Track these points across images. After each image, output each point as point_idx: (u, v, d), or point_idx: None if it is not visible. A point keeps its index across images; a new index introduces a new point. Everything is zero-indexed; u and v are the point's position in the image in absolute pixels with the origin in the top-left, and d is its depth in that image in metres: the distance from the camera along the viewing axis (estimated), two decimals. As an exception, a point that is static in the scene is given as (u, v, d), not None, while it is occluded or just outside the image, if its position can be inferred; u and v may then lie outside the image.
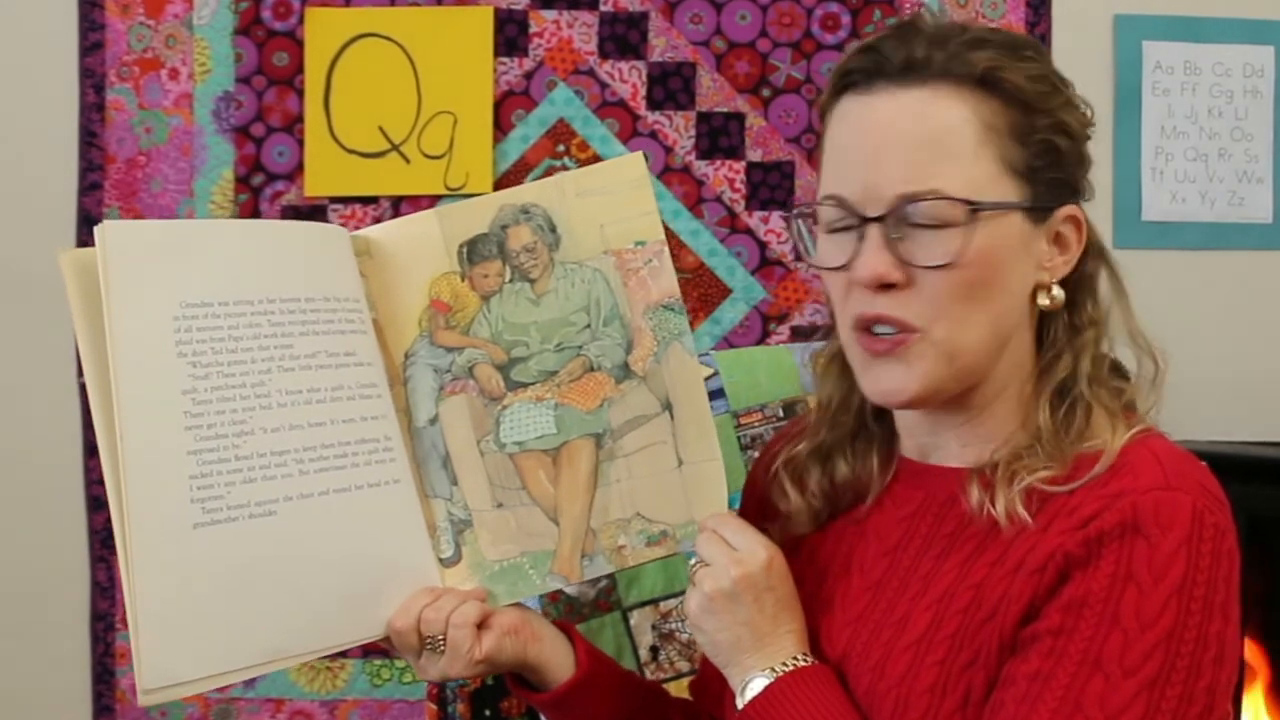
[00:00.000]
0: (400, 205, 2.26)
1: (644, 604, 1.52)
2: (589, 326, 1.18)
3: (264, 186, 2.26)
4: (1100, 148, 1.12)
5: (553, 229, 1.18)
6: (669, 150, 2.27)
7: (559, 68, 2.27)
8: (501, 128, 2.26)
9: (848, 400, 1.16)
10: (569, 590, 1.46)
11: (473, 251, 1.19)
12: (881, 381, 1.06)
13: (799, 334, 2.27)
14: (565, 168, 2.24)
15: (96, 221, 2.12)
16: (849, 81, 1.06)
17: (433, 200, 2.22)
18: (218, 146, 2.25)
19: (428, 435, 1.18)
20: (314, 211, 2.25)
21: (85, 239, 2.15)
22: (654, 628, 1.52)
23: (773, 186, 2.28)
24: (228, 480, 1.07)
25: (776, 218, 2.28)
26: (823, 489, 1.16)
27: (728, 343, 2.27)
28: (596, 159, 2.24)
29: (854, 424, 1.17)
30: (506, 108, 2.26)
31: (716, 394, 1.54)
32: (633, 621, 1.52)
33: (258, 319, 1.11)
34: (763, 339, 2.28)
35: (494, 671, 1.18)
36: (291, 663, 1.12)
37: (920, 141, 1.02)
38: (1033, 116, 1.04)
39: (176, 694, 1.05)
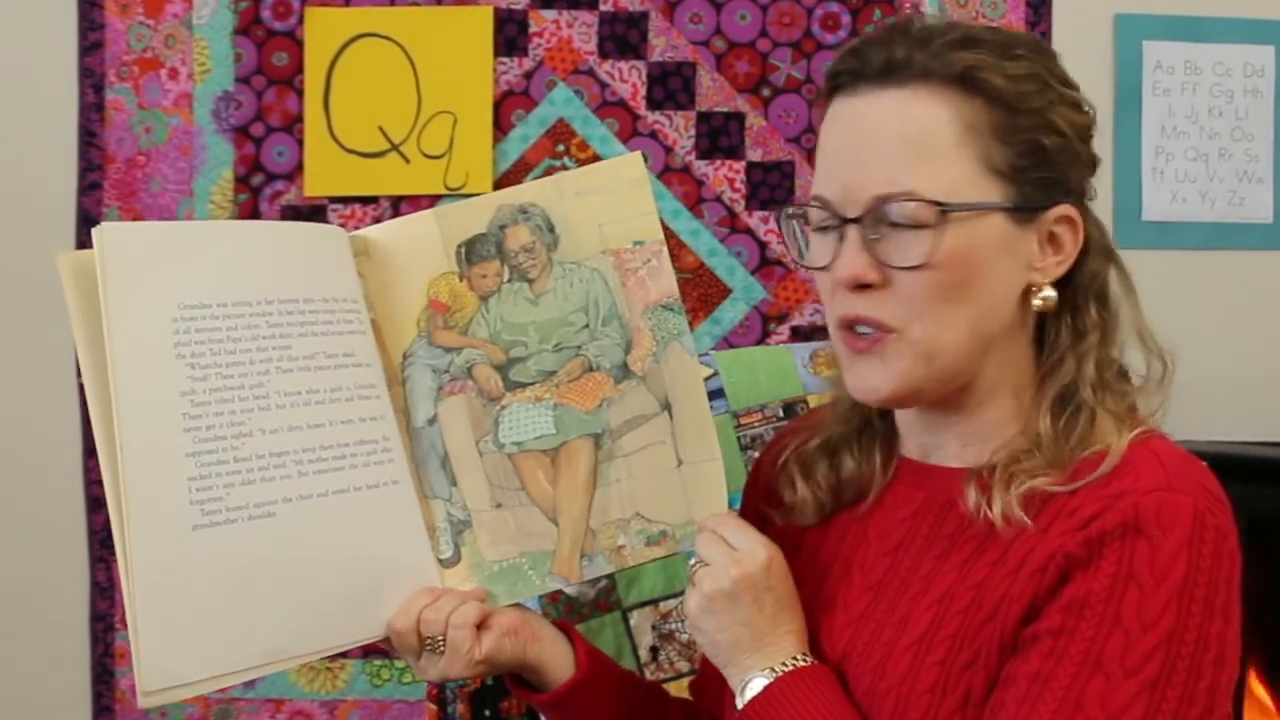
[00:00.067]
0: (400, 205, 2.25)
1: (644, 604, 1.52)
2: (588, 326, 1.18)
3: (263, 186, 2.26)
4: (1100, 148, 1.11)
5: (551, 229, 1.18)
6: (669, 150, 2.27)
7: (559, 67, 2.26)
8: (501, 128, 2.26)
9: None
10: (568, 590, 1.46)
11: (471, 252, 1.19)
12: (860, 379, 1.07)
13: (799, 334, 2.27)
14: (565, 168, 2.24)
15: (96, 221, 2.14)
16: (837, 84, 1.07)
17: (432, 200, 2.22)
18: (217, 146, 2.25)
19: (426, 436, 1.18)
20: (314, 211, 2.25)
21: (84, 239, 2.15)
22: (654, 628, 1.52)
23: (773, 186, 2.28)
24: (227, 482, 1.07)
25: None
26: (829, 482, 1.17)
27: (728, 343, 2.27)
28: (596, 159, 2.24)
29: (860, 420, 1.17)
30: (506, 108, 2.26)
31: (716, 394, 1.54)
32: (633, 622, 1.52)
33: (256, 320, 1.10)
34: (763, 339, 2.28)
35: (494, 672, 1.18)
36: (291, 664, 1.12)
37: (898, 142, 1.03)
38: (1016, 116, 1.03)
39: (176, 695, 1.05)
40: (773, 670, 1.07)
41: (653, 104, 2.27)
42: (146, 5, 2.24)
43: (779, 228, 2.23)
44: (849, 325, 1.06)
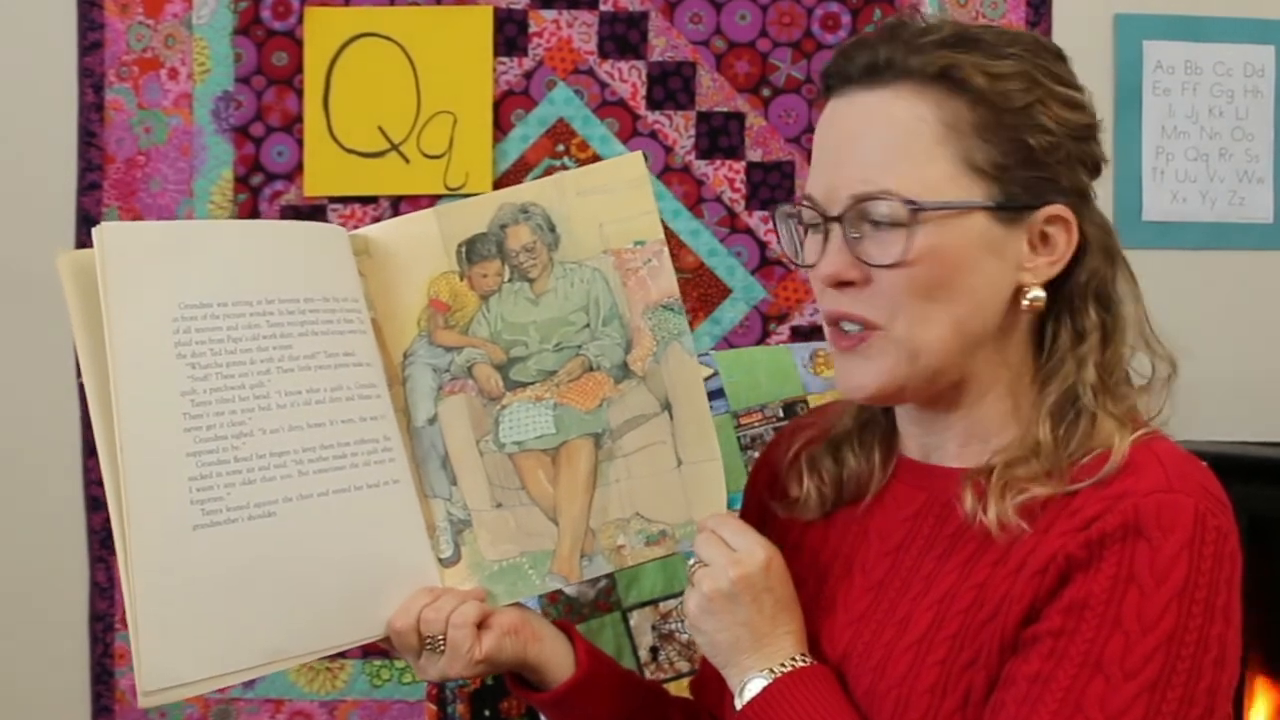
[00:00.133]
0: (400, 205, 2.25)
1: (644, 604, 1.52)
2: (588, 326, 1.18)
3: (263, 186, 2.26)
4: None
5: (552, 228, 1.18)
6: (669, 150, 2.27)
7: (559, 67, 2.26)
8: (501, 127, 2.26)
9: None
10: (568, 590, 1.46)
11: (472, 251, 1.19)
12: (847, 377, 1.08)
13: (799, 334, 2.27)
14: (565, 167, 2.24)
15: (95, 221, 2.13)
16: (828, 85, 1.08)
17: (432, 200, 2.22)
18: (217, 146, 2.25)
19: (427, 435, 1.18)
20: (313, 211, 2.25)
21: (84, 239, 2.15)
22: (654, 628, 1.52)
23: (773, 186, 2.28)
24: (227, 481, 1.07)
25: (776, 218, 2.28)
26: (832, 477, 1.17)
27: (727, 343, 2.27)
28: (596, 159, 2.24)
29: (864, 416, 1.18)
30: (506, 107, 2.26)
31: (716, 394, 1.54)
32: (632, 622, 1.52)
33: (257, 320, 1.10)
34: (763, 339, 2.28)
35: (494, 671, 1.18)
36: (291, 663, 1.12)
37: (879, 142, 1.03)
38: (1000, 114, 1.02)
39: (176, 695, 1.05)
40: (771, 671, 1.07)
41: (653, 104, 2.27)
42: (146, 5, 2.24)
43: (775, 227, 2.24)
44: (835, 322, 1.07)
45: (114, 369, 1.05)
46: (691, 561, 1.12)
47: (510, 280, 1.19)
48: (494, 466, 1.17)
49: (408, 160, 2.26)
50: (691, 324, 1.88)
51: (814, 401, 1.55)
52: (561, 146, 2.27)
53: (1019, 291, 1.05)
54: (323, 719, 2.26)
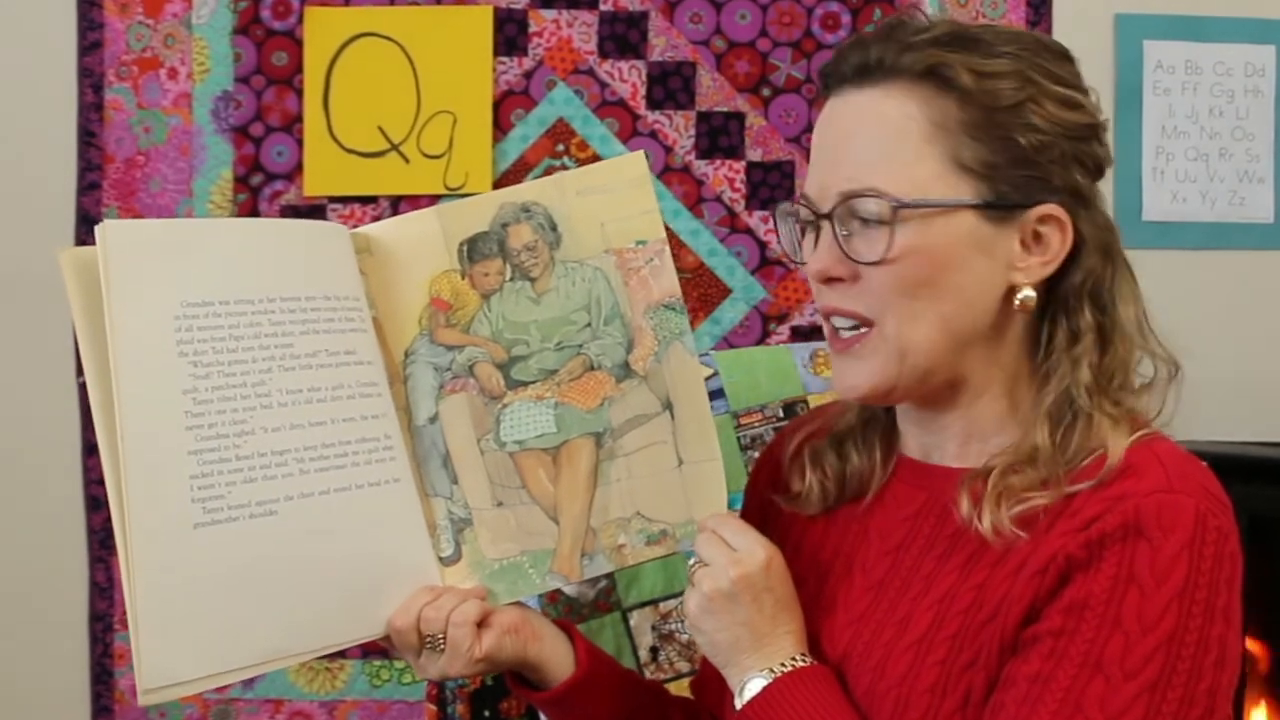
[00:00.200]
0: (399, 205, 2.25)
1: (644, 604, 1.52)
2: (589, 325, 1.18)
3: (263, 186, 2.26)
4: (1100, 147, 1.11)
5: (553, 227, 1.18)
6: (669, 150, 2.27)
7: (558, 67, 2.26)
8: (501, 127, 2.26)
9: None
10: (569, 590, 1.46)
11: (473, 249, 1.19)
12: (842, 378, 1.09)
13: (799, 334, 2.27)
14: (565, 167, 2.24)
15: (95, 221, 2.13)
16: (826, 84, 1.09)
17: (432, 200, 2.22)
18: (216, 146, 2.25)
19: (428, 434, 1.18)
20: (313, 211, 2.25)
21: (84, 238, 2.15)
22: (654, 628, 1.52)
23: (773, 186, 2.28)
24: (228, 480, 1.07)
25: (776, 218, 2.28)
26: (835, 473, 1.17)
27: (728, 343, 2.27)
28: (596, 159, 2.24)
29: (867, 413, 1.18)
30: (506, 107, 2.26)
31: (716, 394, 1.54)
32: (632, 622, 1.52)
33: (258, 318, 1.10)
34: (763, 339, 2.28)
35: (494, 670, 1.18)
36: (292, 662, 1.12)
37: (867, 140, 1.04)
38: (990, 113, 1.02)
39: (176, 694, 1.05)
40: (771, 671, 1.07)
41: (653, 104, 2.27)
42: (146, 5, 2.23)
43: (775, 226, 2.24)
44: (829, 318, 1.09)
45: (116, 366, 1.05)
46: (692, 561, 1.12)
47: (512, 279, 1.19)
48: (495, 465, 1.17)
49: (407, 160, 2.26)
50: (691, 324, 1.88)
51: (814, 401, 1.55)
52: (561, 146, 2.27)
53: (1011, 291, 1.05)
54: (322, 719, 2.26)
